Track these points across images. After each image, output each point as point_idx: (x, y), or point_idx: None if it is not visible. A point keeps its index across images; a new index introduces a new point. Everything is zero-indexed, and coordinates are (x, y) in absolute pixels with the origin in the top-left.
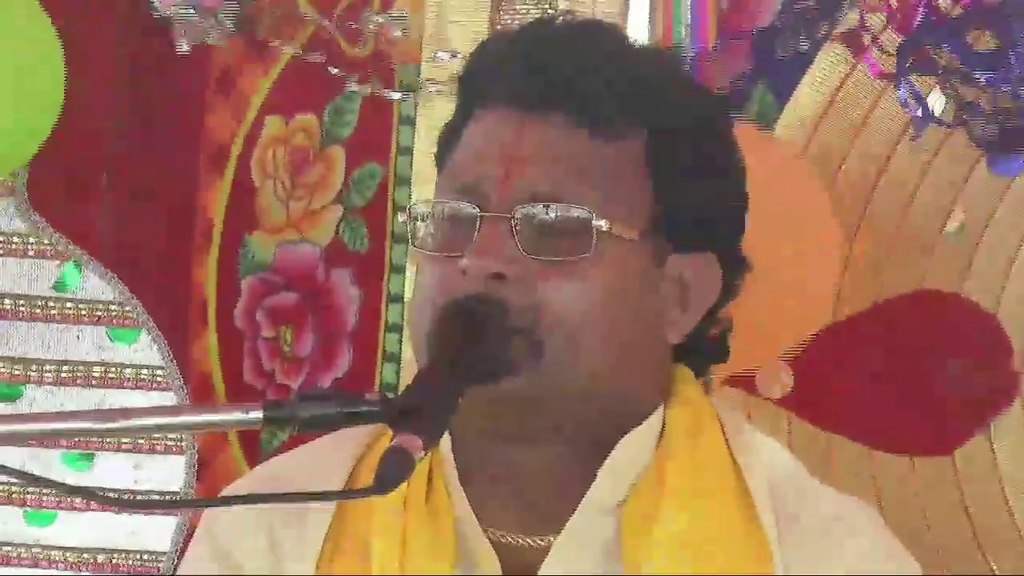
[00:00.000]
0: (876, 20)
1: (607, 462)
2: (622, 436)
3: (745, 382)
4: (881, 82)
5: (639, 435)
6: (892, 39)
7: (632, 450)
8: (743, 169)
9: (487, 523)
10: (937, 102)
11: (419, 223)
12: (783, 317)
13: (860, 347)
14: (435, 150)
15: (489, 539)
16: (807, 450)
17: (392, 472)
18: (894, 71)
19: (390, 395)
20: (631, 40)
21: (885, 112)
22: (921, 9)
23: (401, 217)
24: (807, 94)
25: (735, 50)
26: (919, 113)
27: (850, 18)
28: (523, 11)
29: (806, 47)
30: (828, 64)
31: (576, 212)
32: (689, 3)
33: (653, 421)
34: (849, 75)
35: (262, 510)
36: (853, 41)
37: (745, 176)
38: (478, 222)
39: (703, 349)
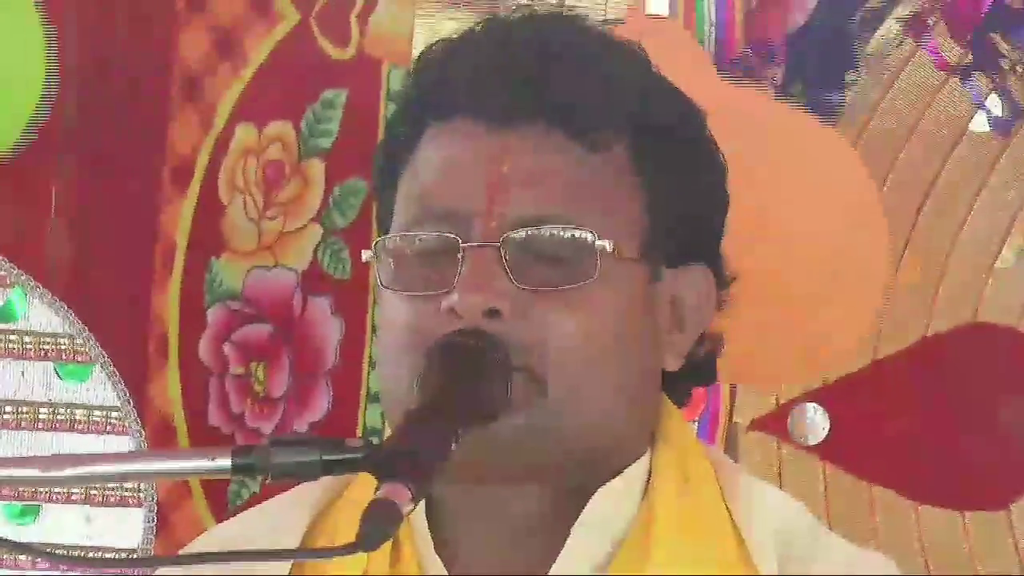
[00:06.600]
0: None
1: (582, 517)
2: (612, 479)
3: (775, 426)
4: (941, 75)
5: (621, 484)
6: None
7: (613, 502)
8: (726, 169)
9: None
10: (993, 107)
11: (388, 260)
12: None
13: (904, 387)
14: (375, 173)
15: None
16: (844, 502)
17: (377, 527)
18: (961, 63)
19: (375, 440)
20: (598, 31)
21: (935, 117)
22: None
23: (366, 255)
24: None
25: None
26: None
27: (906, 5)
28: (527, 5)
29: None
30: (880, 52)
31: (575, 233)
32: None
33: (637, 468)
34: (901, 69)
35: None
36: (914, 27)
37: (727, 176)
38: (461, 254)
39: (688, 372)
